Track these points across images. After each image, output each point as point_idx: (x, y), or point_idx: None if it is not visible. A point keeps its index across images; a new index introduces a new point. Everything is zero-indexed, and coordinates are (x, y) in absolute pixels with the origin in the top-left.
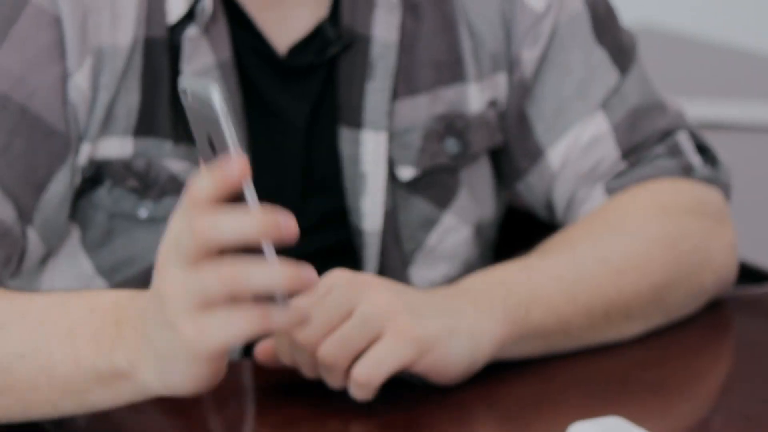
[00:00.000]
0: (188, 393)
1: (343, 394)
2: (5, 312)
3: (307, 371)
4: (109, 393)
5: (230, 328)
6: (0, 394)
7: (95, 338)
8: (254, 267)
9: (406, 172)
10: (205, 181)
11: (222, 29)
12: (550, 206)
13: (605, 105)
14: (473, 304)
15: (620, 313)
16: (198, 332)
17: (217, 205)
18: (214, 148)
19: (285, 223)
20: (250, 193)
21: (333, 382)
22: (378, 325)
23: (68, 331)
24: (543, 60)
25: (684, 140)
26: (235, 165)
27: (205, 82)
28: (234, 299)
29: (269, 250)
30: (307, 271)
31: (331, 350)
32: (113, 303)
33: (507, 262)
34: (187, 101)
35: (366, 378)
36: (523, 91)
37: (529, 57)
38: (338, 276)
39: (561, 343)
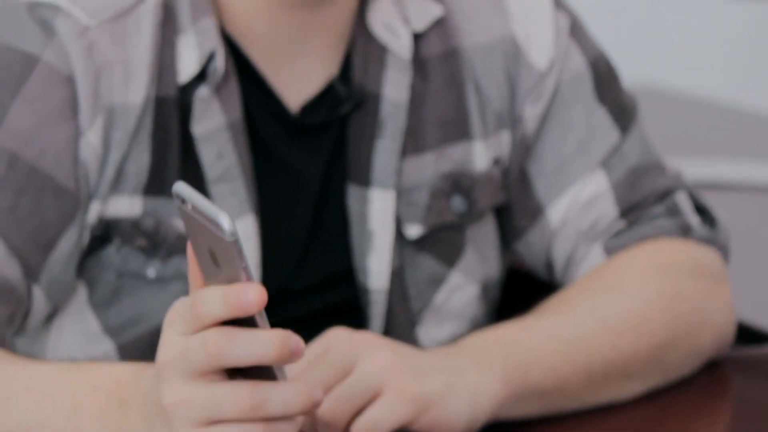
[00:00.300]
0: None
1: None
2: (9, 383)
3: (306, 430)
4: None
5: None
6: None
7: (101, 419)
8: (274, 392)
9: (412, 230)
10: (217, 305)
11: (233, 89)
12: (549, 265)
13: (605, 164)
14: (473, 363)
15: (619, 373)
16: None
17: (227, 326)
18: (217, 260)
19: (296, 345)
20: (262, 316)
21: None
22: (377, 383)
23: (73, 407)
24: (545, 118)
25: (683, 200)
26: (253, 297)
27: (213, 207)
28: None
29: (280, 371)
30: (318, 388)
31: (330, 408)
32: (115, 382)
33: (507, 321)
34: (186, 209)
35: None
36: (524, 148)
37: (531, 115)
38: (337, 334)
39: (559, 403)
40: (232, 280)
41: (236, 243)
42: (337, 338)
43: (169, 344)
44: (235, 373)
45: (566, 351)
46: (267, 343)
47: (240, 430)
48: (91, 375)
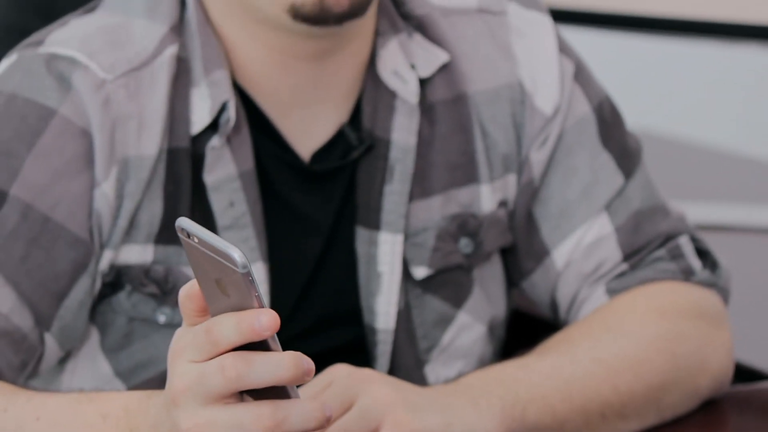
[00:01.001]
0: None
1: None
2: (22, 411)
3: None
4: None
5: None
6: None
7: None
8: (293, 409)
9: (420, 272)
10: (231, 331)
11: (245, 139)
12: (554, 305)
13: (609, 207)
14: (471, 401)
15: (615, 413)
16: None
17: (242, 351)
18: (225, 289)
19: (308, 366)
20: (274, 339)
21: None
22: (377, 418)
23: None
24: (550, 162)
25: (685, 244)
26: (266, 322)
27: (222, 241)
28: None
29: (292, 389)
30: (329, 404)
31: None
32: (124, 410)
33: (507, 360)
34: (191, 242)
35: None
36: (531, 192)
37: (537, 159)
38: (339, 369)
39: None
40: (241, 307)
41: (249, 274)
42: (338, 373)
43: (181, 372)
44: (244, 393)
45: (564, 390)
46: (282, 364)
47: None
48: (100, 404)
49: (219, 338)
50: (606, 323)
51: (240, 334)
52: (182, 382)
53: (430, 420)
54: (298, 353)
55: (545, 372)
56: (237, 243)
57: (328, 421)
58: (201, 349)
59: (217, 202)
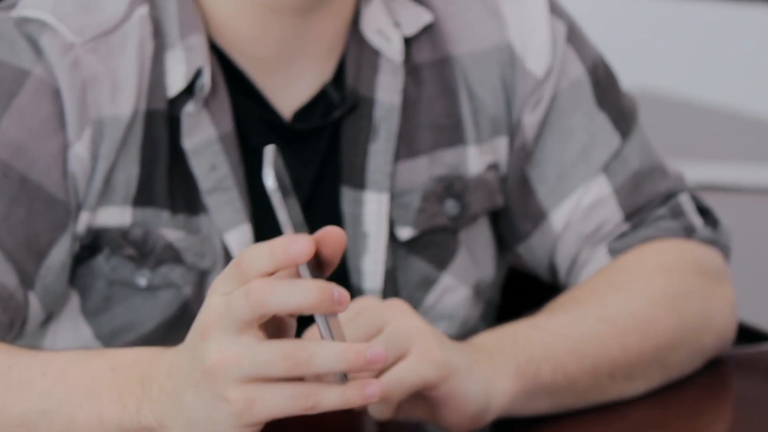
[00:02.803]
0: None
1: None
2: (27, 368)
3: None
4: None
5: (280, 404)
6: None
7: (120, 397)
8: (320, 349)
9: (404, 233)
10: (263, 259)
11: (223, 101)
12: (552, 268)
13: (606, 169)
14: (488, 357)
15: (623, 373)
16: (248, 404)
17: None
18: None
19: (339, 294)
20: (306, 272)
21: None
22: (405, 344)
23: (90, 388)
24: (544, 124)
25: (685, 202)
26: (299, 248)
27: (266, 167)
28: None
29: (323, 324)
30: (374, 349)
31: None
32: (134, 361)
33: (515, 321)
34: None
35: (386, 393)
36: (524, 155)
37: (529, 122)
38: (368, 299)
39: (568, 401)
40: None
41: (272, 196)
42: (366, 303)
43: (211, 306)
44: None
45: (576, 350)
46: (307, 289)
47: (287, 391)
48: (109, 358)
49: (248, 268)
50: (612, 282)
51: (272, 261)
52: (210, 315)
53: (455, 355)
54: (329, 282)
55: (557, 332)
56: (222, 205)
57: (367, 363)
58: (231, 281)
59: (199, 166)
